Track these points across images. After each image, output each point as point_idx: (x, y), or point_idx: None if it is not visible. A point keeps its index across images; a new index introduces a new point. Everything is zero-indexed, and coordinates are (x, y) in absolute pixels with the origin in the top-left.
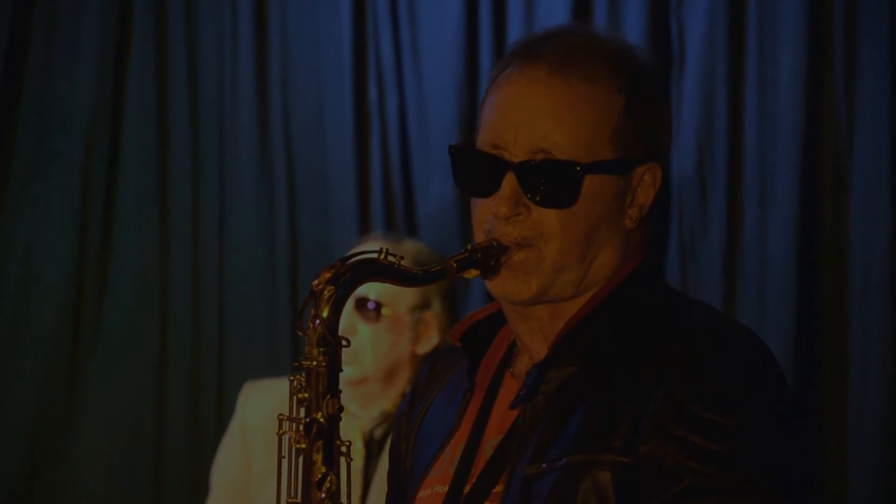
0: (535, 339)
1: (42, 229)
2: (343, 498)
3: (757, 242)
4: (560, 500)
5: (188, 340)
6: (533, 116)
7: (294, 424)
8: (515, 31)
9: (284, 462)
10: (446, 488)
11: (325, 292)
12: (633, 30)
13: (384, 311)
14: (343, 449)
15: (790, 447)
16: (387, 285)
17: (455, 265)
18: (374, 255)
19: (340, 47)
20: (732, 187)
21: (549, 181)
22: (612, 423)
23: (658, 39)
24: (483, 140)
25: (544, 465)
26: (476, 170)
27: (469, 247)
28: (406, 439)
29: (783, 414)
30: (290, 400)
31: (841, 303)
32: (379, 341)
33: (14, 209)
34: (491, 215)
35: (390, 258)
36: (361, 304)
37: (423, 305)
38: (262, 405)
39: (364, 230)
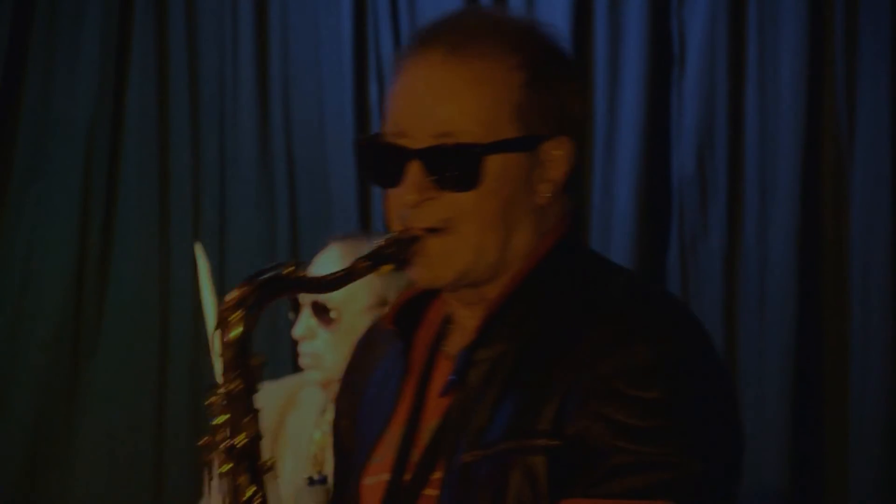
0: (466, 315)
1: (43, 230)
2: None
3: (757, 242)
4: (494, 486)
5: (188, 340)
6: (431, 101)
7: (217, 448)
8: None
9: (214, 483)
10: (389, 476)
11: (234, 316)
12: (633, 30)
13: (342, 314)
14: (268, 465)
15: (716, 419)
16: (343, 290)
17: (367, 263)
18: (279, 272)
19: (341, 46)
20: (733, 187)
21: (452, 164)
22: (541, 406)
23: (658, 39)
24: (386, 129)
25: (479, 452)
26: (381, 160)
27: (382, 241)
28: (347, 416)
29: (708, 385)
30: (211, 424)
31: (841, 303)
32: (338, 344)
33: (15, 210)
34: (402, 204)
35: (297, 271)
36: (318, 309)
37: (380, 304)
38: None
39: (364, 230)
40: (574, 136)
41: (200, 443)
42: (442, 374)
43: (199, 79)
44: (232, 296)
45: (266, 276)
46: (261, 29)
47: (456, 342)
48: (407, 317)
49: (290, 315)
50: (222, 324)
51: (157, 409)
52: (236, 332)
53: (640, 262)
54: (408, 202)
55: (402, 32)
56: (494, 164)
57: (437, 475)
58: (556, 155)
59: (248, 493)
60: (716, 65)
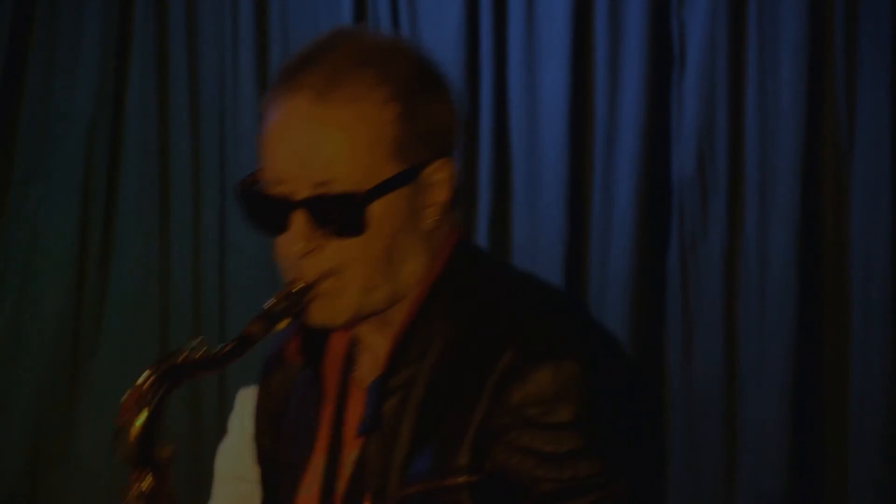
0: (374, 338)
1: (43, 230)
2: None
3: (757, 242)
4: None
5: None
6: (306, 150)
7: None
8: (516, 31)
9: None
10: None
11: (135, 411)
12: (634, 30)
13: None
14: None
15: (634, 431)
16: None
17: (258, 326)
18: (173, 361)
19: None
20: (733, 187)
21: (336, 214)
22: (458, 439)
23: (658, 39)
24: (265, 178)
25: (405, 489)
26: (264, 210)
27: (273, 300)
28: (267, 434)
29: (621, 398)
30: None
31: (841, 302)
32: None
33: (15, 210)
34: (290, 255)
35: (193, 353)
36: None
37: None
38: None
39: None
40: (451, 154)
41: None
42: (356, 401)
43: (199, 79)
44: (131, 394)
45: (164, 365)
46: (261, 29)
47: (366, 366)
48: (311, 342)
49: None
50: (123, 424)
51: None
52: (139, 426)
53: (640, 262)
54: (295, 253)
55: (402, 32)
56: (379, 207)
57: None
58: (438, 178)
59: None
60: (716, 65)
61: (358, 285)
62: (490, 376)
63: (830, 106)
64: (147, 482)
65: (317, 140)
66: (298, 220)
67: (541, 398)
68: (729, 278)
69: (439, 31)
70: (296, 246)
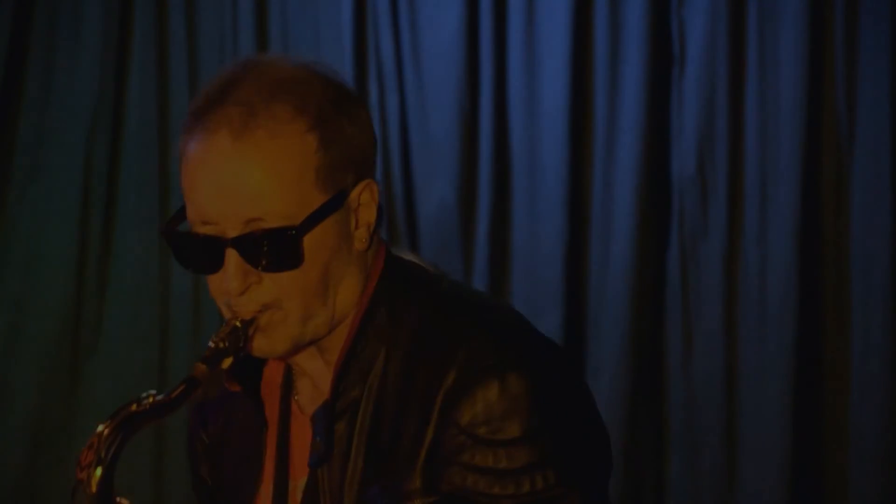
0: (312, 364)
1: (42, 229)
2: None
3: (757, 242)
4: None
5: (188, 340)
6: (232, 191)
7: None
8: (516, 32)
9: None
10: None
11: (91, 466)
12: (634, 30)
13: None
14: None
15: (583, 439)
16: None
17: (205, 367)
18: (128, 410)
19: (341, 48)
20: (733, 187)
21: (269, 250)
22: (410, 464)
23: (659, 39)
24: (192, 216)
25: None
26: (195, 250)
27: (212, 342)
28: (206, 462)
29: (567, 406)
30: None
31: (841, 303)
32: None
33: (15, 209)
34: (225, 292)
35: (144, 402)
36: None
37: None
38: None
39: None
40: (372, 174)
41: None
42: (299, 425)
43: (199, 79)
44: (88, 447)
45: (116, 420)
46: (261, 29)
47: (306, 391)
48: (246, 371)
49: None
50: (82, 478)
51: None
52: (94, 484)
53: (640, 262)
54: (232, 291)
55: (402, 32)
56: (312, 238)
57: None
58: (364, 199)
59: None
60: (716, 65)
61: (297, 316)
62: (436, 397)
63: (830, 106)
64: None
65: (242, 178)
66: (232, 258)
67: (490, 416)
68: (729, 278)
69: (439, 32)
70: (231, 284)
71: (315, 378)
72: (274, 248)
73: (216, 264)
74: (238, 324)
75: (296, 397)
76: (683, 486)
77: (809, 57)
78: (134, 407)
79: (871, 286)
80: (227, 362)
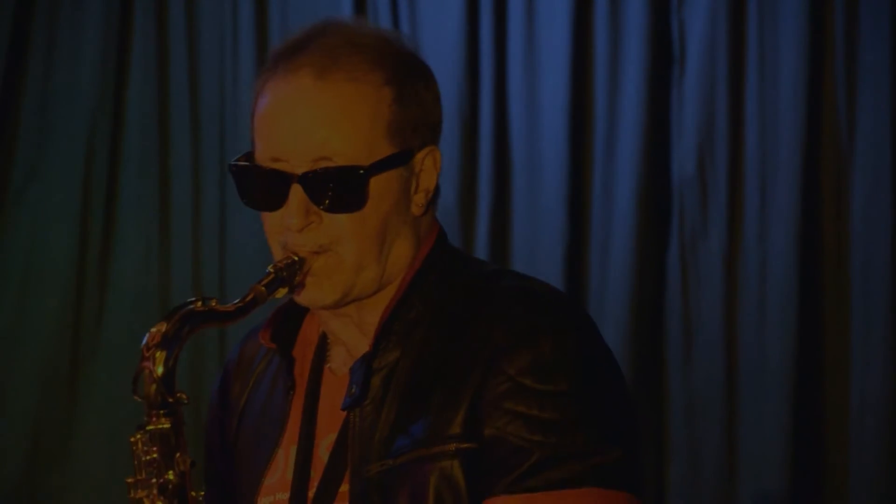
0: (349, 332)
1: (42, 229)
2: None
3: (757, 242)
4: (411, 494)
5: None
6: (307, 126)
7: (147, 487)
8: (516, 32)
9: None
10: (287, 495)
11: (157, 354)
12: (634, 30)
13: None
14: (199, 499)
15: (621, 403)
16: None
17: (264, 289)
18: (192, 307)
19: None
20: (733, 187)
21: (335, 188)
22: (449, 411)
23: (659, 39)
24: (262, 154)
25: (389, 462)
26: (261, 185)
27: (271, 267)
28: (228, 430)
29: (609, 373)
30: (137, 462)
31: (841, 303)
32: None
33: (15, 209)
34: (284, 228)
35: (207, 303)
36: None
37: None
38: None
39: None
40: (437, 143)
41: (129, 480)
42: (329, 389)
43: (199, 78)
44: (151, 336)
45: (181, 312)
46: (261, 29)
47: (340, 358)
48: (283, 331)
49: None
50: (148, 360)
51: None
52: (159, 370)
53: (640, 262)
54: (293, 227)
55: (403, 32)
56: (376, 184)
57: (344, 488)
58: (427, 165)
59: None
60: (716, 65)
61: (350, 262)
62: (482, 351)
63: (830, 106)
64: (163, 423)
65: (318, 117)
66: (296, 194)
67: (539, 367)
68: (729, 278)
69: (439, 31)
70: (293, 220)
71: (350, 346)
72: (339, 188)
73: (280, 200)
74: (296, 258)
75: (328, 365)
76: (683, 486)
77: (809, 57)
78: (199, 304)
79: (872, 286)
80: (282, 292)
